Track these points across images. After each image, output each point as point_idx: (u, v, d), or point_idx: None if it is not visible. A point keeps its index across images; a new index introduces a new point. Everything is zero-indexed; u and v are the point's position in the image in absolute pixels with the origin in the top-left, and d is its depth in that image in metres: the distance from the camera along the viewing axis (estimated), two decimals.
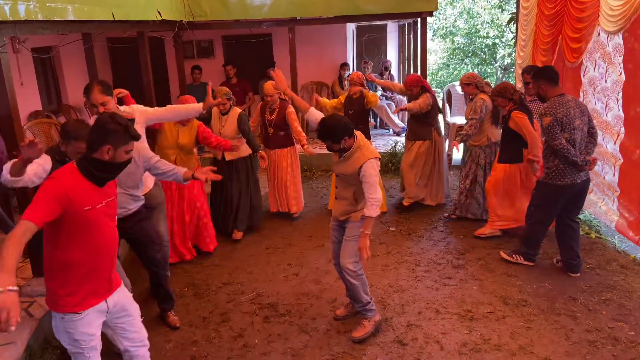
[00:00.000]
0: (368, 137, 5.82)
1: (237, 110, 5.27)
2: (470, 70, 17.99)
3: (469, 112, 5.35)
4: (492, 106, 5.19)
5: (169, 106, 4.17)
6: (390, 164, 7.74)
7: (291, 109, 5.58)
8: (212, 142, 4.84)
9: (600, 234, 5.23)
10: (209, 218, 5.13)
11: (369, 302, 3.72)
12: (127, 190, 3.43)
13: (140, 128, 3.72)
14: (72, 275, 2.47)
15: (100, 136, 2.42)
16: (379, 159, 3.47)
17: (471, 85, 5.40)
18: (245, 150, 5.33)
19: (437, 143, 5.95)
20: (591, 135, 4.23)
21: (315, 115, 3.77)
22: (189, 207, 4.93)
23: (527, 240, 4.63)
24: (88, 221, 2.42)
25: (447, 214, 5.87)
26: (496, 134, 5.30)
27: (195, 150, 4.94)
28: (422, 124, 5.86)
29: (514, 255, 4.68)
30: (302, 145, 5.54)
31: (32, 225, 2.17)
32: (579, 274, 4.46)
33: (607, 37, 4.77)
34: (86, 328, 2.53)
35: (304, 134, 5.60)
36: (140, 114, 3.83)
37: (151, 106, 5.79)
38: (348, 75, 9.11)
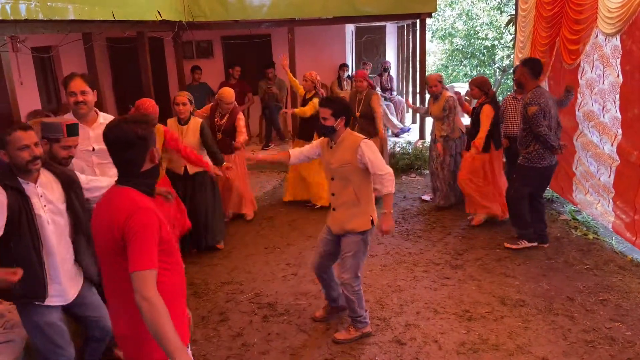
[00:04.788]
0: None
1: (198, 120, 4.87)
2: (468, 72, 18.07)
3: (440, 110, 5.71)
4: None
5: None
6: (388, 164, 7.74)
7: (241, 115, 5.43)
8: (182, 151, 4.38)
9: (598, 235, 5.26)
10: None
11: (362, 316, 3.63)
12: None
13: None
14: (175, 305, 2.08)
15: (143, 146, 2.03)
16: None
17: (439, 85, 5.78)
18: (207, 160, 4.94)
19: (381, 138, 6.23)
20: (558, 123, 4.79)
21: None
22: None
23: (517, 221, 4.95)
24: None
25: (438, 204, 6.15)
26: (463, 125, 5.94)
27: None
28: (371, 121, 6.05)
29: (519, 242, 4.93)
30: (235, 145, 5.27)
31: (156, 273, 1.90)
32: (548, 244, 4.97)
33: (605, 39, 4.80)
34: None
35: (245, 137, 5.39)
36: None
37: None
38: (347, 76, 9.16)
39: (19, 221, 2.46)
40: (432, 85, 5.82)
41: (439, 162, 5.96)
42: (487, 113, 5.18)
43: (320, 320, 3.89)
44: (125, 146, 1.99)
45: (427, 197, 6.46)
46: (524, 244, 4.93)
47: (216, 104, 5.48)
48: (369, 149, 3.31)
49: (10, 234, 2.49)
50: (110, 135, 2.00)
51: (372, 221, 3.45)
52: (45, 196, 2.60)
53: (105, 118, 3.34)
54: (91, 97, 3.22)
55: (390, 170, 3.34)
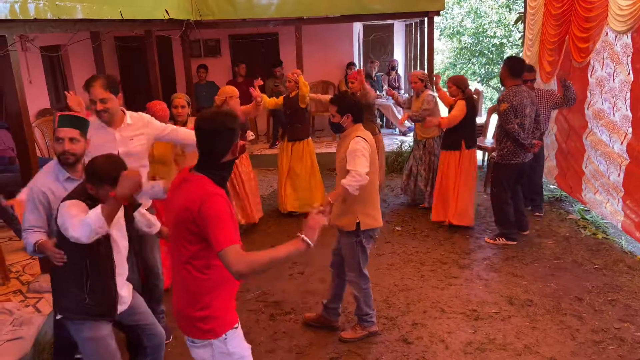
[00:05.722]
0: (307, 135, 5.98)
1: (194, 120, 4.72)
2: (477, 70, 17.97)
3: (420, 105, 5.70)
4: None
5: (182, 129, 3.54)
6: (396, 163, 7.74)
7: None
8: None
9: (607, 235, 5.21)
10: None
11: (369, 314, 3.62)
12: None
13: (145, 140, 3.26)
14: (227, 289, 2.28)
15: (229, 137, 2.16)
16: (370, 145, 3.29)
17: (424, 82, 5.79)
18: None
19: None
20: (537, 122, 4.94)
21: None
22: None
23: (501, 222, 5.11)
24: None
25: (421, 205, 6.16)
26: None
27: (173, 160, 4.33)
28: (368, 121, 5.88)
29: (497, 239, 5.12)
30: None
31: (239, 246, 2.04)
32: (528, 232, 5.23)
33: (616, 36, 4.75)
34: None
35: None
36: (147, 126, 3.29)
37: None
38: None
39: (97, 240, 2.40)
40: (412, 82, 5.87)
41: (425, 163, 5.97)
42: (460, 107, 5.18)
43: (308, 322, 3.82)
44: (215, 135, 2.13)
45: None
46: (502, 241, 5.09)
47: (217, 106, 5.19)
48: (355, 144, 3.27)
49: (86, 253, 2.45)
50: (202, 124, 2.16)
51: (358, 224, 3.36)
52: None
53: (132, 118, 3.22)
54: (113, 103, 3.05)
55: (361, 171, 3.20)
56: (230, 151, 2.18)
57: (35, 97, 6.77)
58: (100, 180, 2.37)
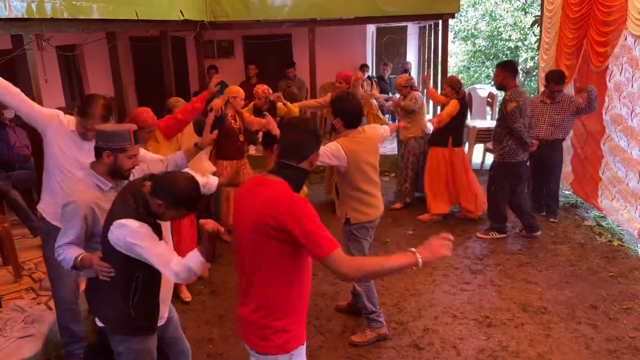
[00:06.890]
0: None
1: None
2: (491, 74, 17.83)
3: (408, 101, 5.87)
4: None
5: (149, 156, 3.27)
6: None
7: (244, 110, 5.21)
8: (178, 117, 3.98)
9: (623, 242, 5.13)
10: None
11: (374, 313, 3.61)
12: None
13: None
14: (303, 303, 2.22)
15: (313, 143, 2.18)
16: (346, 151, 3.25)
17: (407, 87, 5.98)
18: (207, 167, 4.55)
19: None
20: (530, 124, 5.08)
21: None
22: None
23: (495, 217, 5.30)
24: None
25: (396, 206, 6.23)
26: (427, 125, 6.19)
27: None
28: None
29: (490, 233, 5.32)
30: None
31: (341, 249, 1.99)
32: (540, 232, 5.24)
33: (635, 41, 4.68)
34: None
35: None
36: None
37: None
38: (367, 77, 9.09)
39: None
40: (397, 90, 6.10)
41: (405, 162, 6.14)
42: (453, 105, 5.40)
43: (339, 310, 4.02)
44: (305, 135, 2.16)
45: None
46: (494, 235, 5.30)
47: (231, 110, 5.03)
48: (331, 143, 3.33)
49: (141, 267, 2.33)
50: (298, 121, 2.25)
51: (348, 219, 3.47)
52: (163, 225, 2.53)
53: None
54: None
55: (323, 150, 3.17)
56: (309, 159, 2.17)
57: (51, 96, 6.83)
58: (181, 204, 2.28)
